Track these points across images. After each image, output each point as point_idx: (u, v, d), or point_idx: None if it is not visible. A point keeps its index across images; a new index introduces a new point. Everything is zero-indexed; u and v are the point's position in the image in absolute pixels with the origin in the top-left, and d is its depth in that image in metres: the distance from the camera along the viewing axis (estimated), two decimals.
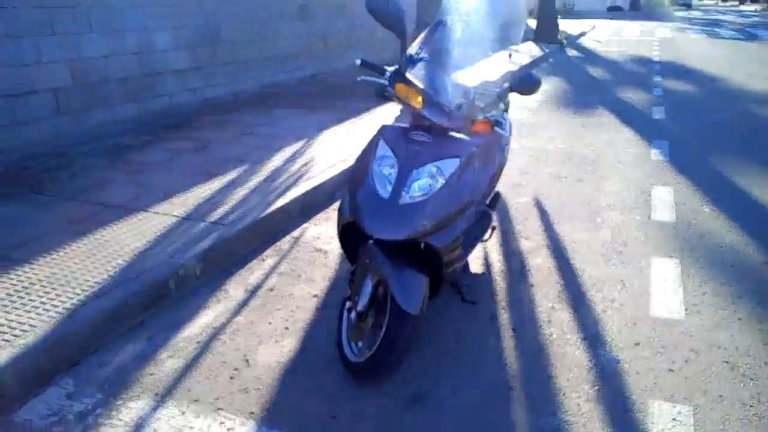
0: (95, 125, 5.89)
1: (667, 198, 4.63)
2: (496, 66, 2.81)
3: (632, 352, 2.74)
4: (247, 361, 2.71)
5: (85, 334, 2.78)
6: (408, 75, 2.56)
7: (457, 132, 2.61)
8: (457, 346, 2.81)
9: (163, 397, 2.47)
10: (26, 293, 2.95)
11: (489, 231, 3.47)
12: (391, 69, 2.65)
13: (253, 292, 3.30)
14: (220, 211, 3.96)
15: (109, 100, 6.02)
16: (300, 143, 5.63)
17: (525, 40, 13.61)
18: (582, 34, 20.32)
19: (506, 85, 2.70)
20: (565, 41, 16.59)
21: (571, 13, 33.28)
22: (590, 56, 14.62)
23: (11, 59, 5.08)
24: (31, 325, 2.69)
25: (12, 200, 4.16)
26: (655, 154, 5.86)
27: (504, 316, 3.04)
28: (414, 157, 2.48)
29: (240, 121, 6.55)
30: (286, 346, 2.81)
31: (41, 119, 5.39)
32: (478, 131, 2.67)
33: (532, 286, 3.34)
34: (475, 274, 3.48)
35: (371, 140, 2.69)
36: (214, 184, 4.48)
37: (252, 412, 2.38)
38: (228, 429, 2.30)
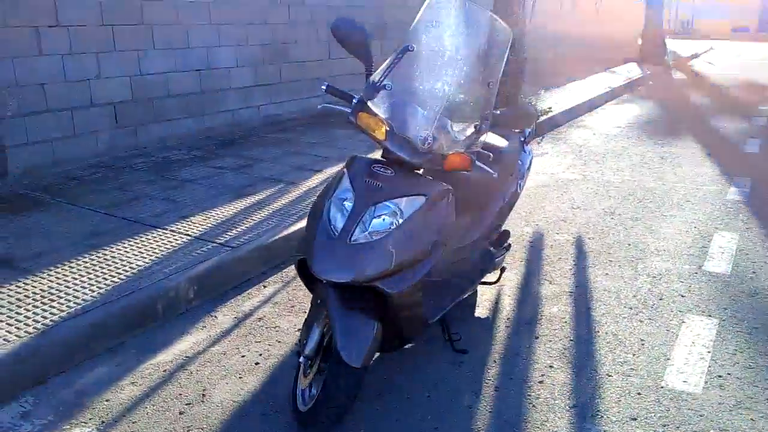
0: (152, 139, 6.07)
1: (729, 245, 4.11)
2: (472, 98, 2.54)
3: (623, 428, 2.37)
4: (203, 396, 2.60)
5: (57, 352, 2.78)
6: (370, 104, 2.37)
7: (427, 167, 2.38)
8: (426, 399, 2.56)
9: (107, 427, 2.39)
10: (14, 306, 3.00)
11: (496, 273, 3.19)
12: (358, 97, 2.46)
13: (241, 321, 3.20)
14: (233, 233, 3.90)
15: (167, 115, 6.20)
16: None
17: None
18: (694, 56, 19.07)
19: (486, 117, 2.44)
20: (670, 62, 15.63)
21: (688, 33, 31.42)
22: (697, 80, 13.66)
23: (73, 74, 5.33)
24: (5, 340, 2.71)
25: (45, 210, 4.31)
26: (731, 193, 5.27)
27: (492, 371, 2.75)
28: (372, 193, 2.28)
29: (295, 140, 6.56)
30: (249, 384, 2.67)
31: (99, 131, 5.62)
32: (453, 167, 2.43)
33: (537, 338, 3.02)
34: (479, 319, 3.20)
35: (338, 172, 2.51)
36: (240, 203, 4.46)
37: None
38: None
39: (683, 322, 3.14)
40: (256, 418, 2.45)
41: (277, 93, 7.47)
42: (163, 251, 3.64)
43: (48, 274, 3.33)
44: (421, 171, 2.50)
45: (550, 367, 2.78)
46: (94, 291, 3.15)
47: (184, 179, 5.04)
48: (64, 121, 5.33)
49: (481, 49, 2.51)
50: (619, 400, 2.54)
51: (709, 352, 2.87)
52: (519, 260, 3.89)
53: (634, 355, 2.87)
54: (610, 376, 2.71)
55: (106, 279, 3.29)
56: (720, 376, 2.69)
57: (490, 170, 2.52)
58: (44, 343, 2.73)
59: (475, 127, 2.42)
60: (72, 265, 3.45)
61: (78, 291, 3.15)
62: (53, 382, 2.68)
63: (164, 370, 2.77)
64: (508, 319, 3.20)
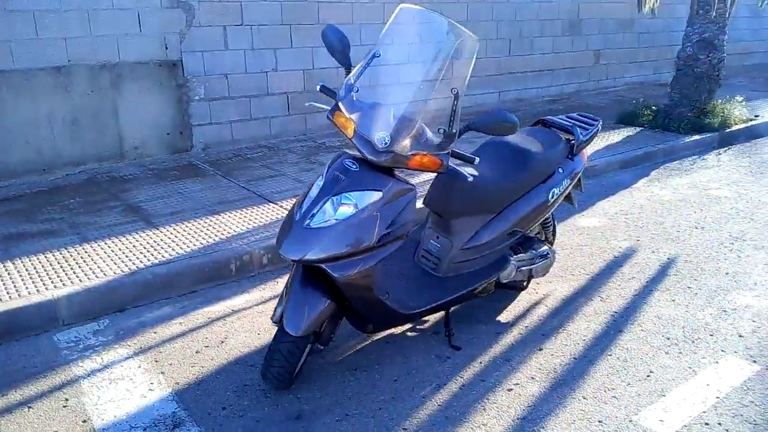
0: (319, 126, 6.82)
1: None
2: (438, 104, 2.59)
3: None
4: (222, 342, 3.10)
5: (139, 290, 3.51)
6: (341, 104, 2.60)
7: (387, 165, 2.54)
8: (392, 382, 2.74)
9: (140, 352, 3.03)
10: (126, 250, 3.82)
11: (521, 280, 3.19)
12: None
13: None
14: None
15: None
16: None
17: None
18: None
19: (453, 122, 2.52)
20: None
21: None
22: None
23: (253, 66, 6.25)
24: (104, 273, 3.52)
25: (202, 178, 5.23)
26: None
27: (470, 371, 2.82)
28: (335, 183, 2.53)
29: None
30: (262, 340, 3.11)
31: (273, 117, 6.51)
32: (418, 167, 2.56)
33: (540, 350, 2.98)
34: (497, 322, 3.23)
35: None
36: None
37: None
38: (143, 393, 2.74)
39: (716, 362, 2.83)
40: (246, 368, 2.88)
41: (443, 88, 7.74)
42: (261, 222, 4.24)
43: (166, 229, 4.13)
44: (401, 167, 2.63)
45: (531, 378, 2.76)
46: (189, 246, 3.86)
47: (322, 163, 5.65)
48: (242, 106, 6.29)
49: (447, 57, 2.59)
50: (573, 423, 2.46)
51: (718, 397, 2.58)
52: (586, 273, 3.74)
53: (629, 384, 2.70)
54: (584, 399, 2.62)
55: (204, 238, 3.98)
56: (707, 424, 2.43)
57: (466, 174, 2.60)
58: (130, 281, 3.48)
59: (442, 131, 2.53)
60: (189, 224, 4.22)
61: (178, 244, 3.88)
62: (129, 312, 3.41)
63: (208, 317, 3.35)
64: (525, 327, 3.18)
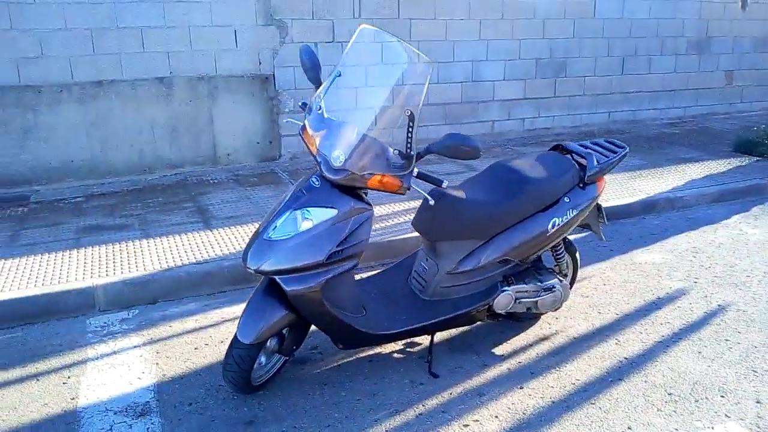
0: (397, 143, 6.88)
1: None
2: (394, 125, 2.52)
3: None
4: (226, 339, 3.27)
5: (171, 286, 3.80)
6: (307, 122, 2.65)
7: (344, 183, 2.55)
8: (343, 399, 2.74)
9: (152, 342, 3.29)
10: (174, 247, 4.14)
11: (522, 312, 3.05)
12: None
13: None
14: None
15: (424, 120, 6.92)
16: None
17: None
18: None
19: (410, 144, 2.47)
20: None
21: None
22: None
23: (344, 82, 6.47)
24: (144, 267, 3.86)
25: (274, 185, 5.52)
26: None
27: (434, 401, 2.74)
28: (297, 198, 2.59)
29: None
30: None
31: None
32: (377, 187, 2.55)
33: (521, 388, 2.83)
34: (491, 354, 3.10)
35: None
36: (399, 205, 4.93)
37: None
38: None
39: (712, 427, 2.51)
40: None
41: (547, 107, 7.49)
42: None
43: (218, 232, 4.42)
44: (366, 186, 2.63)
45: (495, 417, 2.63)
46: (229, 249, 4.10)
47: None
48: None
49: (402, 80, 2.53)
50: None
51: None
52: (616, 312, 3.46)
53: None
54: None
55: (245, 242, 4.21)
56: None
57: (428, 197, 2.56)
58: (164, 276, 3.78)
59: (397, 152, 2.50)
60: (240, 228, 4.49)
61: (221, 246, 4.14)
62: (158, 305, 3.71)
63: (222, 317, 3.54)
64: (518, 362, 3.02)
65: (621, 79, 7.77)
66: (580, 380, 2.86)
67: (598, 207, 3.29)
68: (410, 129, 2.49)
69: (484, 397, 2.76)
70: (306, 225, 2.51)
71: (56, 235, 4.40)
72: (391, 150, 2.56)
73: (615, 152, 3.22)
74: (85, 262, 3.92)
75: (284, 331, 2.71)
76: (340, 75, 2.60)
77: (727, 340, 3.16)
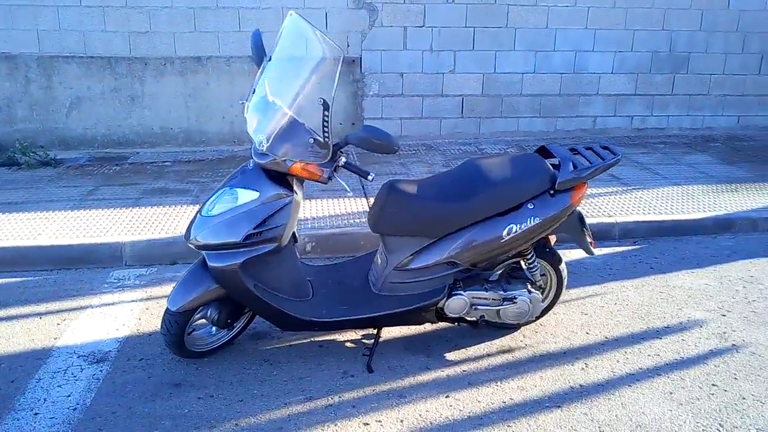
0: (494, 132, 6.67)
1: None
2: (312, 113, 2.40)
3: None
4: None
5: (187, 250, 4.06)
6: (246, 104, 2.69)
7: (270, 168, 2.58)
8: (274, 378, 2.80)
9: (146, 300, 3.60)
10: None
11: (481, 319, 2.91)
12: None
13: None
14: None
15: (516, 112, 6.64)
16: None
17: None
18: None
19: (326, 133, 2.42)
20: None
21: None
22: None
23: (430, 67, 6.42)
24: (165, 233, 4.18)
25: None
26: None
27: (352, 395, 2.72)
28: (232, 178, 2.69)
29: (628, 157, 6.01)
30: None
31: (444, 118, 6.59)
32: (302, 174, 2.56)
33: (447, 397, 2.70)
34: (442, 359, 2.99)
35: None
36: None
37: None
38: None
39: None
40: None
41: (662, 105, 6.81)
42: (327, 212, 4.49)
43: None
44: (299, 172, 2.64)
45: (399, 421, 2.55)
46: None
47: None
48: (415, 105, 6.52)
49: (316, 68, 2.47)
50: None
51: None
52: (605, 335, 3.15)
53: None
54: None
55: None
56: None
57: (346, 187, 2.53)
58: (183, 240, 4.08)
59: (316, 141, 2.48)
60: None
61: None
62: (177, 266, 4.02)
63: None
64: (463, 371, 2.87)
65: (757, 79, 6.82)
66: (513, 400, 2.66)
67: (581, 219, 2.98)
68: (326, 118, 2.45)
69: (402, 399, 2.67)
70: (229, 205, 2.60)
71: (125, 194, 4.91)
72: (313, 139, 2.54)
73: (603, 159, 2.89)
74: (131, 220, 4.33)
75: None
76: (270, 60, 2.61)
77: (714, 385, 2.74)
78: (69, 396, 2.69)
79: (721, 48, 6.68)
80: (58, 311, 3.43)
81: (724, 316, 3.33)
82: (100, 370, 2.89)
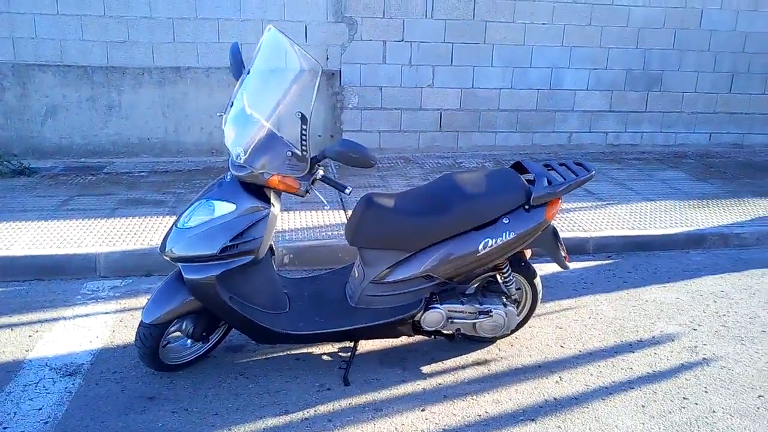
0: (471, 146, 6.73)
1: None
2: (291, 127, 2.43)
3: None
4: None
5: (162, 261, 4.05)
6: (224, 116, 2.70)
7: (249, 181, 2.58)
8: (249, 393, 2.78)
9: (124, 310, 3.56)
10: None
11: (457, 332, 2.92)
12: None
13: None
14: None
15: (493, 126, 6.72)
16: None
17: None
18: None
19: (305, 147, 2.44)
20: None
21: None
22: None
23: (409, 81, 6.47)
24: (141, 245, 4.15)
25: None
26: None
27: (326, 408, 2.72)
28: (208, 190, 2.69)
29: (602, 172, 6.10)
30: None
31: (422, 132, 6.64)
32: (274, 186, 2.56)
33: (422, 410, 2.71)
34: (418, 372, 3.00)
35: None
36: None
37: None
38: None
39: None
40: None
41: (635, 122, 6.94)
42: (306, 224, 4.49)
43: None
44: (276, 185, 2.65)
45: None
46: None
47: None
48: (393, 118, 6.56)
49: (295, 81, 2.49)
50: None
51: None
52: (579, 349, 3.19)
53: None
54: None
55: None
56: None
57: (323, 200, 2.54)
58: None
59: (294, 155, 2.50)
60: None
61: None
62: (152, 278, 3.98)
63: None
64: (438, 384, 2.89)
65: (728, 97, 6.99)
66: (488, 413, 2.68)
67: (555, 233, 3.03)
68: (303, 131, 2.47)
69: (379, 413, 2.68)
70: (205, 218, 2.59)
71: (100, 204, 4.86)
72: (291, 152, 2.55)
73: (577, 175, 2.95)
74: (106, 231, 4.29)
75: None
76: (249, 73, 2.63)
77: (685, 398, 2.79)
78: (40, 409, 2.65)
79: (693, 66, 6.84)
80: (30, 323, 3.38)
81: (695, 330, 3.39)
82: (73, 383, 2.85)
